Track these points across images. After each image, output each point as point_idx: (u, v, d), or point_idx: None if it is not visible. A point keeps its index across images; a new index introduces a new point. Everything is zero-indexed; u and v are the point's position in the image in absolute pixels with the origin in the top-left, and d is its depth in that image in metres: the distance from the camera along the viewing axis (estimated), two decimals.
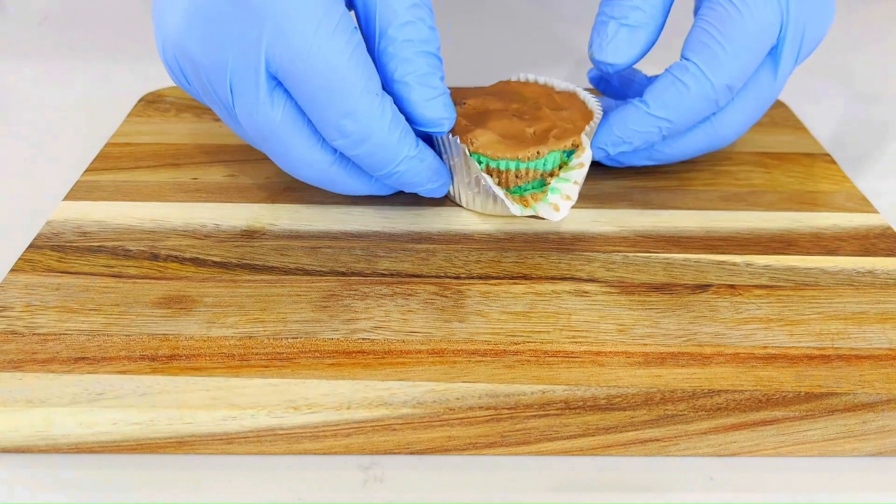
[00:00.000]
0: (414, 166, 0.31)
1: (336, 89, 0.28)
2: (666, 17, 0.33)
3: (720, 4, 0.32)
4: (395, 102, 0.31)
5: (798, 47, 0.33)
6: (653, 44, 0.33)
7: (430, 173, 0.32)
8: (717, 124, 0.34)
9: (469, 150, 0.32)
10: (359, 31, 0.30)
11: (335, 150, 0.31)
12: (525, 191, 0.33)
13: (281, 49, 0.28)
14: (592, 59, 0.34)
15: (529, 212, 0.32)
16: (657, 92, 0.33)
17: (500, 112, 0.34)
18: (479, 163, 0.32)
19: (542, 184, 0.33)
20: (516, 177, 0.33)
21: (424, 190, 0.33)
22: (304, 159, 0.31)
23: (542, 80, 0.37)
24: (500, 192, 0.32)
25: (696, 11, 0.34)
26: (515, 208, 0.32)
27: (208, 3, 0.29)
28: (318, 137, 0.31)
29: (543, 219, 0.33)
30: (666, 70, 0.33)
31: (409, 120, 0.31)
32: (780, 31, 0.32)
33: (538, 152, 0.32)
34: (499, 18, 0.63)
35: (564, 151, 0.33)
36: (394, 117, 0.30)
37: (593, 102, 0.35)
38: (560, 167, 0.33)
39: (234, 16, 0.28)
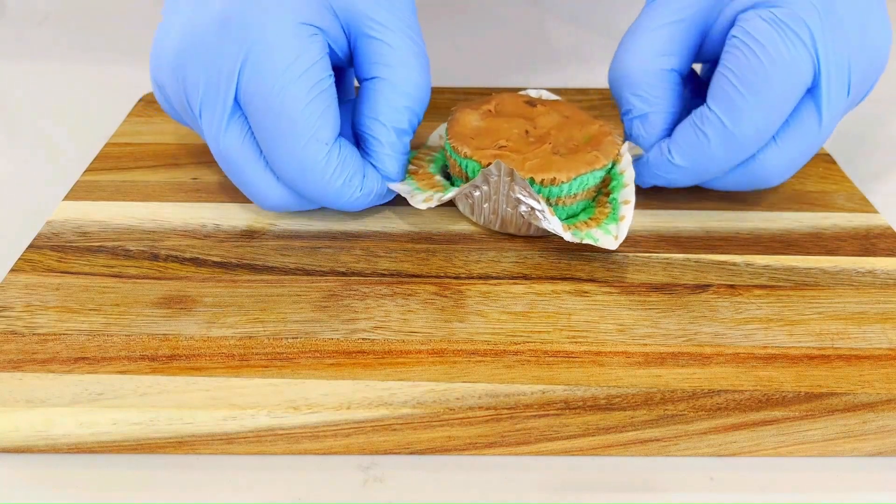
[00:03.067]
0: (361, 201, 0.32)
1: (284, 132, 0.30)
2: (678, 90, 0.33)
3: (738, 49, 0.30)
4: (355, 134, 0.33)
5: (845, 86, 0.31)
6: (673, 117, 0.33)
7: (377, 199, 0.33)
8: (757, 167, 0.32)
9: (448, 122, 0.35)
10: (331, 79, 0.30)
11: None
12: (453, 183, 0.35)
13: (250, 79, 0.29)
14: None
15: (417, 196, 0.33)
16: (678, 139, 0.32)
17: (520, 120, 0.34)
18: (443, 137, 0.35)
19: (458, 185, 0.34)
20: (453, 167, 0.34)
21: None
22: (263, 190, 0.32)
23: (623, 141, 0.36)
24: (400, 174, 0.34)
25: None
26: (403, 186, 0.33)
27: (202, 29, 0.30)
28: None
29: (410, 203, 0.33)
30: (689, 116, 0.32)
31: (367, 154, 0.33)
32: (815, 72, 0.30)
33: (456, 149, 0.33)
34: (500, 19, 0.62)
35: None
36: (340, 165, 0.31)
37: (592, 163, 0.32)
38: None
39: (220, 42, 0.29)
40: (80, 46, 0.56)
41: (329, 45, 0.31)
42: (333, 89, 0.31)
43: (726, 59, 0.31)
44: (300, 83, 0.29)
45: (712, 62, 0.34)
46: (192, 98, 0.31)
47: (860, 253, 0.33)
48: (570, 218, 0.33)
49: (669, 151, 0.32)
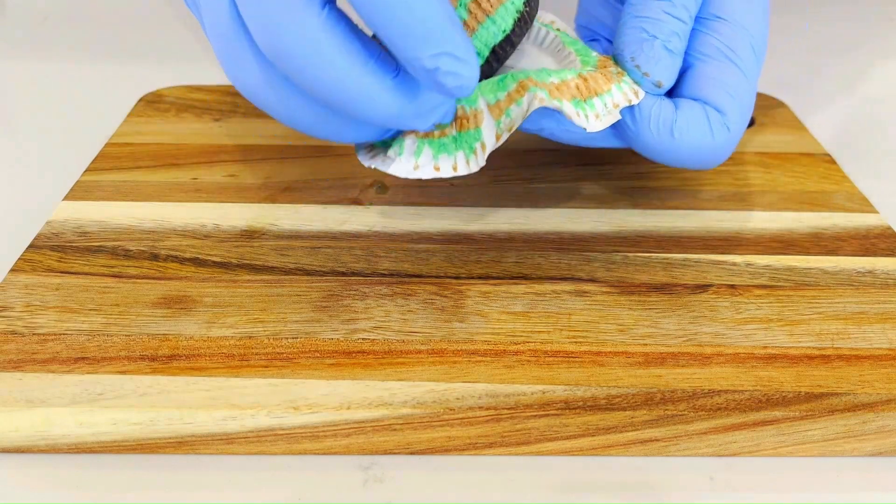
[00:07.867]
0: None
1: None
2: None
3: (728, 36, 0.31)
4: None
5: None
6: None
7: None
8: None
9: None
10: None
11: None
12: None
13: None
14: (635, 74, 0.30)
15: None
16: (687, 124, 0.30)
17: None
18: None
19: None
20: None
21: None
22: (369, 93, 0.25)
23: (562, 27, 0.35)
24: None
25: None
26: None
27: None
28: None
29: None
30: (700, 105, 0.31)
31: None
32: None
33: None
34: None
35: None
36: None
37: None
38: None
39: None
40: (80, 46, 0.56)
41: None
42: None
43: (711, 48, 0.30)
44: None
45: None
46: None
47: (860, 253, 0.33)
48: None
49: (671, 132, 0.30)
